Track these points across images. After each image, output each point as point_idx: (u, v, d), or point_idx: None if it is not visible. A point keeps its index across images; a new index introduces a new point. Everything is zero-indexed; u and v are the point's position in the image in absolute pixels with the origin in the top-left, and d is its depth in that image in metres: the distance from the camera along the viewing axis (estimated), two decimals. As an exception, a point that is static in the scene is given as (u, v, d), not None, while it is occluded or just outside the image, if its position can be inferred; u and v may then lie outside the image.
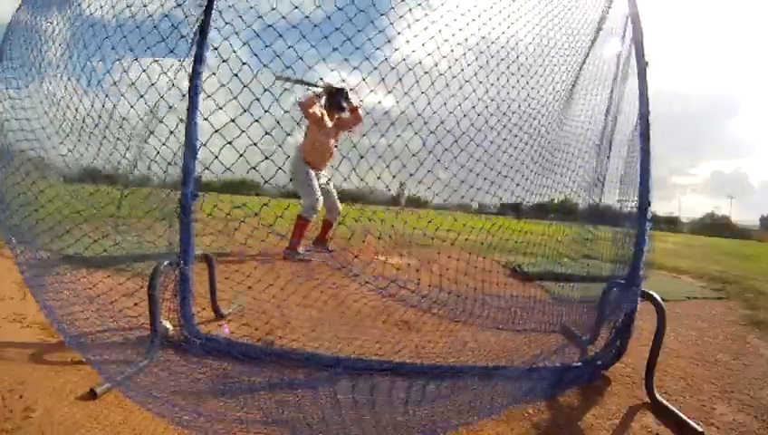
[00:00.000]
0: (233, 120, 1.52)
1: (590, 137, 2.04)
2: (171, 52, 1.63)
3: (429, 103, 1.61)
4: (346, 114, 3.89)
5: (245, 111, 1.52)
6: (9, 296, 2.28)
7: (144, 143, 1.62)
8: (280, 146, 1.55)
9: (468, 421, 1.34)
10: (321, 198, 3.97)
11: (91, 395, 1.34)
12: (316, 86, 3.50)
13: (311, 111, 3.56)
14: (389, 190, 1.63)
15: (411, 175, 1.61)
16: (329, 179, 4.08)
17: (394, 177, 1.60)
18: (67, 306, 1.58)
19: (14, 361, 1.56)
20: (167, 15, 1.68)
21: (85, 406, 1.29)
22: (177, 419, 1.22)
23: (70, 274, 1.76)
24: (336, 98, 3.75)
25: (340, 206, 4.18)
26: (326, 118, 3.81)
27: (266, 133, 1.54)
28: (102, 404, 1.31)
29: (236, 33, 1.62)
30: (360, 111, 3.74)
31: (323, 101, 3.79)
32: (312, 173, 3.94)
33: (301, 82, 3.29)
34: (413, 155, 1.61)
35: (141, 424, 1.23)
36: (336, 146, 4.03)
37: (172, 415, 1.23)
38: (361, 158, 1.56)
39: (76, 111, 1.73)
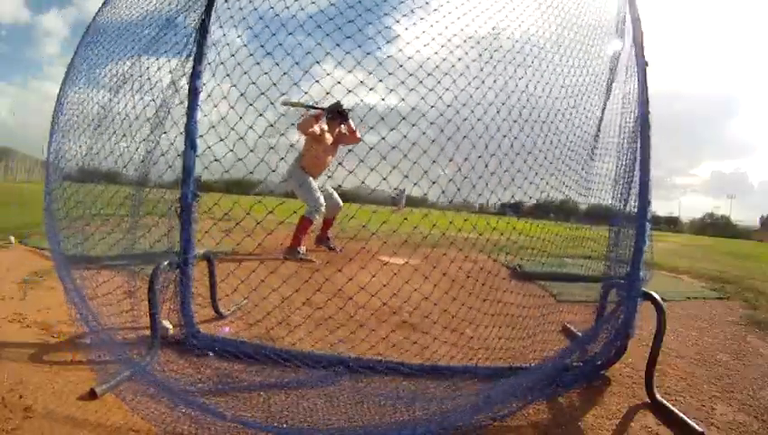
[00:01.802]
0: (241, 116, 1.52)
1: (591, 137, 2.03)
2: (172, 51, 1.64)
3: (424, 99, 1.60)
4: (345, 129, 4.02)
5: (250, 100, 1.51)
6: (9, 296, 2.27)
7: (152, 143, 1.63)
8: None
9: (471, 423, 1.34)
10: (323, 200, 4.03)
11: (91, 395, 1.34)
12: (321, 108, 3.57)
13: (309, 131, 3.74)
14: (391, 189, 1.63)
15: (407, 176, 1.60)
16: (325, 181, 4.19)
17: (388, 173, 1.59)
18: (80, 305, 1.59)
19: (14, 361, 1.55)
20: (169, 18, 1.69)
21: (85, 406, 1.29)
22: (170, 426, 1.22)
23: (79, 273, 1.76)
24: (337, 113, 3.84)
25: (341, 202, 4.27)
26: (326, 135, 3.94)
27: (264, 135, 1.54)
28: (102, 404, 1.31)
29: (237, 31, 1.62)
30: (358, 133, 3.92)
31: (325, 115, 3.86)
32: (311, 178, 4.03)
33: (307, 105, 3.38)
34: (406, 156, 1.60)
35: (141, 424, 1.23)
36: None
37: (164, 419, 1.23)
38: (363, 158, 1.56)
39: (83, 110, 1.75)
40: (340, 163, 1.69)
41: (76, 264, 1.74)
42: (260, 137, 1.53)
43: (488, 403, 1.45)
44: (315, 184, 4.04)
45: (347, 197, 4.17)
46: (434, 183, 1.64)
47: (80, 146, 1.71)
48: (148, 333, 1.63)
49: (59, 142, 1.75)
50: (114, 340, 1.65)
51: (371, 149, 1.55)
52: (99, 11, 1.86)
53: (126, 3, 1.85)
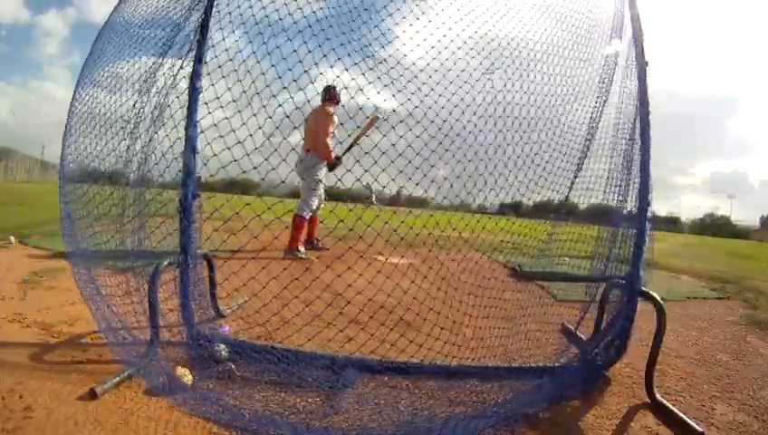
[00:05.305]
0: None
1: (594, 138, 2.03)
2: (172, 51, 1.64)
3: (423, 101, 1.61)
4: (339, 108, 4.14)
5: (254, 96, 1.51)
6: (9, 296, 2.28)
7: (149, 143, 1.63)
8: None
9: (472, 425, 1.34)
10: (318, 200, 4.11)
11: (91, 395, 1.34)
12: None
13: (332, 156, 4.07)
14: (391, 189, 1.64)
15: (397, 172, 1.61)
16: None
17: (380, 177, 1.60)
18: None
19: (14, 361, 1.56)
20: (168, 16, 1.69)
21: (85, 406, 1.29)
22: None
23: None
24: (332, 93, 3.95)
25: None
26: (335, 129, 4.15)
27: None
28: (102, 404, 1.31)
29: (236, 32, 1.62)
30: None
31: (322, 96, 3.98)
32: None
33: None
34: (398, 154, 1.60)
35: (141, 425, 1.23)
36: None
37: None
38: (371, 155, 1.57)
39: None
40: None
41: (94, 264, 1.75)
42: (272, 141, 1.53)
43: (490, 405, 1.45)
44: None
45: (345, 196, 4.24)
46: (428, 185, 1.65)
47: (85, 147, 1.71)
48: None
49: (71, 143, 1.75)
50: (135, 338, 1.65)
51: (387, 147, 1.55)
52: (111, 14, 1.88)
53: (131, 5, 1.86)
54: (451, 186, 1.67)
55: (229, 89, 1.55)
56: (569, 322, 2.25)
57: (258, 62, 1.55)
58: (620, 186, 1.85)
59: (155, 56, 1.70)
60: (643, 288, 1.65)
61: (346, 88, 1.62)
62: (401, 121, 1.61)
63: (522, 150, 1.77)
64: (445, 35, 1.66)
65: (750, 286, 4.11)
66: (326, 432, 1.27)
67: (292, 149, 1.60)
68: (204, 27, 1.63)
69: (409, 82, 1.60)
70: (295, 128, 1.58)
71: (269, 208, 1.59)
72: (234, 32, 1.62)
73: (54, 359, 1.61)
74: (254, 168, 1.49)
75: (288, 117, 1.57)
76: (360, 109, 1.65)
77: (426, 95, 1.61)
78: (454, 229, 1.83)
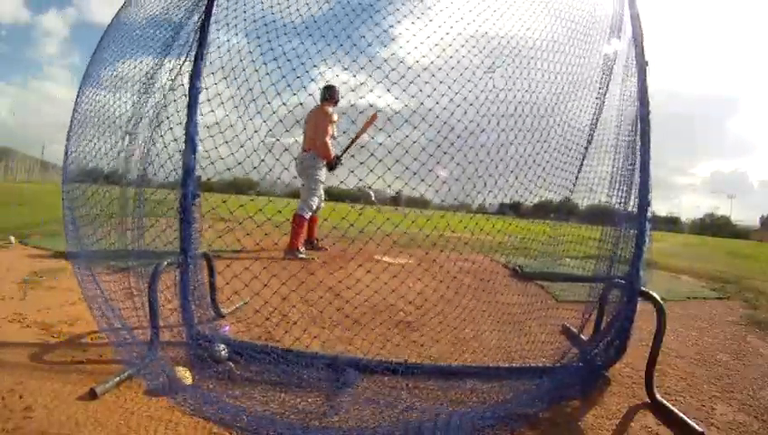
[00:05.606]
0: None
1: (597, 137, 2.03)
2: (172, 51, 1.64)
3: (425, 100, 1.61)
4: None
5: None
6: (9, 296, 2.28)
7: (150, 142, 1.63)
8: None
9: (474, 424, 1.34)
10: (318, 200, 4.11)
11: (91, 395, 1.34)
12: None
13: (332, 155, 4.06)
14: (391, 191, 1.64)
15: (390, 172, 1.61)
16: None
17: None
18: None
19: (14, 361, 1.56)
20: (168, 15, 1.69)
21: (85, 406, 1.29)
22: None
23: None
24: (331, 93, 3.98)
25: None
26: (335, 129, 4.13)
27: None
28: (102, 404, 1.31)
29: (236, 33, 1.62)
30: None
31: (321, 96, 3.97)
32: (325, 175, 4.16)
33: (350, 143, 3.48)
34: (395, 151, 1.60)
35: (141, 425, 1.23)
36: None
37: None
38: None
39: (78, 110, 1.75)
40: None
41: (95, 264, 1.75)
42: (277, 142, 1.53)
43: (490, 405, 1.44)
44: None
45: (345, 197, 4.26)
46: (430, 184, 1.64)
47: (87, 147, 1.72)
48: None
49: (73, 144, 1.75)
50: (135, 339, 1.65)
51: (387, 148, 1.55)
52: (115, 15, 1.88)
53: (134, 6, 1.86)
54: (449, 189, 1.67)
55: (246, 92, 1.54)
56: (570, 322, 2.25)
57: (254, 61, 1.56)
58: (621, 186, 1.85)
59: (156, 56, 1.70)
60: (643, 288, 1.65)
61: (352, 90, 1.63)
62: (405, 121, 1.61)
63: (525, 150, 1.77)
64: (447, 33, 1.66)
65: (750, 286, 4.11)
66: (325, 432, 1.27)
67: (302, 150, 1.60)
68: (204, 27, 1.63)
69: (411, 84, 1.60)
70: (288, 130, 1.58)
71: (266, 217, 1.59)
72: (227, 30, 1.62)
73: (54, 359, 1.61)
74: (260, 169, 1.49)
75: (298, 120, 1.57)
76: (370, 105, 1.65)
77: (428, 96, 1.61)
78: (453, 231, 1.83)
